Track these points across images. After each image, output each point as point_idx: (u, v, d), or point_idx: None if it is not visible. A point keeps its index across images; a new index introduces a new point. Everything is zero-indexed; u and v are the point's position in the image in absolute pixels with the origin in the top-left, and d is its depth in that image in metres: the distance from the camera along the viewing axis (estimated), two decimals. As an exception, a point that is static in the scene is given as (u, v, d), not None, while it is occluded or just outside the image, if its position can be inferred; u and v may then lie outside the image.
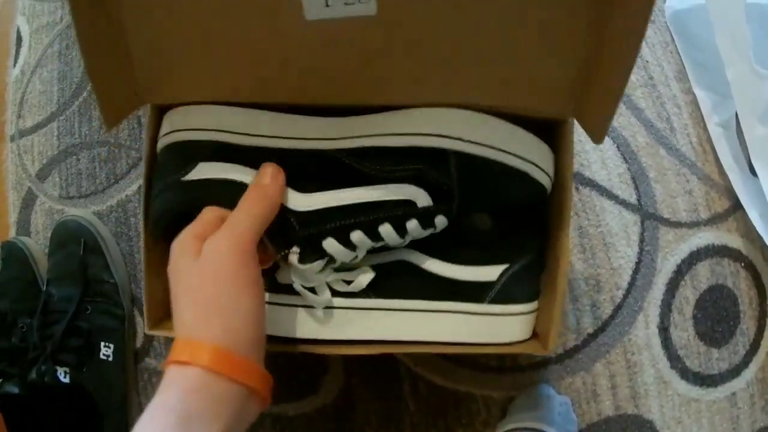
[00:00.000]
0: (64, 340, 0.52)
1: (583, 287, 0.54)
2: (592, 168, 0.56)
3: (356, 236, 0.36)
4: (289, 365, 0.54)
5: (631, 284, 0.53)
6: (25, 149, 0.65)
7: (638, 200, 0.55)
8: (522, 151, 0.36)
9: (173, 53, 0.34)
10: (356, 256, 0.38)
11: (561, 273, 0.38)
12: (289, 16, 0.31)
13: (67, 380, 0.51)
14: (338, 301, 0.40)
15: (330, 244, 0.36)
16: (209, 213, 0.35)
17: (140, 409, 0.55)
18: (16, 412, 0.50)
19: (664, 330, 0.53)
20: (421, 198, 0.36)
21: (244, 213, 0.34)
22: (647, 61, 0.58)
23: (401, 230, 0.36)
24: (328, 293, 0.40)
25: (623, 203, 0.55)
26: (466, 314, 0.40)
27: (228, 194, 0.36)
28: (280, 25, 0.31)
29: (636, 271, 0.54)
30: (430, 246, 0.40)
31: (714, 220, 0.55)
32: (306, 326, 0.41)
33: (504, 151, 0.36)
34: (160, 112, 0.39)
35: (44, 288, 0.55)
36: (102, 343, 0.54)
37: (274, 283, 0.42)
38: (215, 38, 0.33)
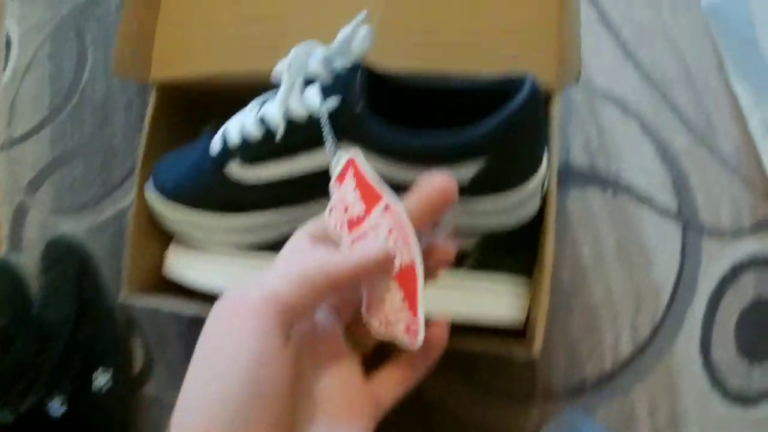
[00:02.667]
0: (59, 367, 0.48)
1: (620, 305, 0.50)
2: (629, 173, 0.51)
3: None
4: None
5: (672, 300, 0.49)
6: (16, 159, 0.61)
7: (678, 208, 0.51)
8: None
9: (187, 36, 0.45)
10: None
11: (546, 269, 0.37)
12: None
13: (63, 409, 0.48)
14: None
15: None
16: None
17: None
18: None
19: (705, 349, 0.48)
20: None
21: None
22: (684, 55, 0.53)
23: None
24: None
25: (662, 211, 0.51)
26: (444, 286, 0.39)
27: None
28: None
29: (676, 286, 0.49)
30: None
31: (759, 228, 0.50)
32: None
33: None
34: (162, 94, 0.45)
35: (37, 311, 0.51)
36: (100, 368, 0.50)
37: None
38: (223, 20, 0.44)
